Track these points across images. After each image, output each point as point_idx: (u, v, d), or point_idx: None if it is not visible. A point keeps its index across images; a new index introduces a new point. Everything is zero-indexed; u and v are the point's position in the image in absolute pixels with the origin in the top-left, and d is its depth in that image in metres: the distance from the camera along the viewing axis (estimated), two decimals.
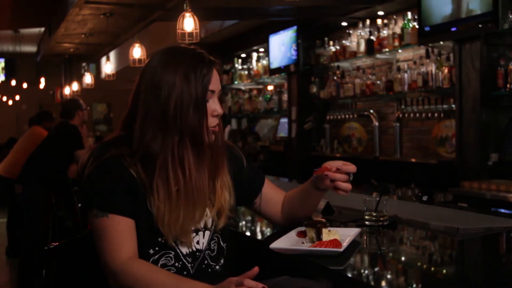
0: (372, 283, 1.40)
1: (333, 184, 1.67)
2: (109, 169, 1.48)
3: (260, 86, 7.52)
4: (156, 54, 1.57)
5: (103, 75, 9.51)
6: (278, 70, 6.40)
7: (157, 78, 1.50)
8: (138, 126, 1.51)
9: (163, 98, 1.48)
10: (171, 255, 1.52)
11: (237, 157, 1.75)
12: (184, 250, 1.54)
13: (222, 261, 1.62)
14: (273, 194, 1.82)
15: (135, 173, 1.49)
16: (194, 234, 1.56)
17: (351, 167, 1.66)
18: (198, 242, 1.56)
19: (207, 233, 1.58)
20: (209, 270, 1.58)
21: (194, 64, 1.52)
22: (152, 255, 1.51)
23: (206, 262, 1.57)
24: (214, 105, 1.55)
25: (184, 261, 1.53)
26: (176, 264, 1.52)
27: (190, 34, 4.00)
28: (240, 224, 2.20)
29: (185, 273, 1.53)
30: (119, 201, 1.47)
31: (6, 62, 14.28)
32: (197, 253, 1.56)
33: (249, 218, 2.32)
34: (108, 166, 1.49)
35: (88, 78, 8.68)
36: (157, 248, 1.51)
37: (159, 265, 1.51)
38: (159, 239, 1.50)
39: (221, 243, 1.62)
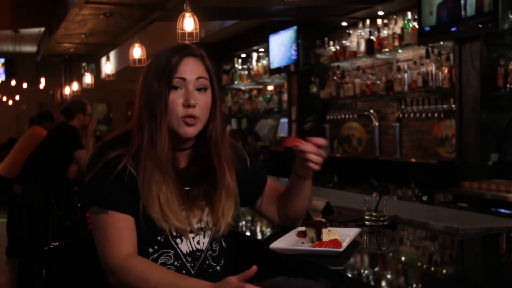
0: (372, 283, 1.40)
1: (303, 157, 1.63)
2: (110, 167, 1.49)
3: (260, 86, 7.52)
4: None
5: (103, 75, 9.51)
6: (278, 70, 6.40)
7: (142, 77, 1.56)
8: (133, 124, 1.55)
9: (144, 95, 1.52)
10: (170, 254, 1.52)
11: (241, 158, 1.72)
12: (184, 249, 1.53)
13: (223, 261, 1.62)
14: (273, 194, 1.81)
15: (135, 171, 1.50)
16: (194, 234, 1.55)
17: (320, 140, 1.63)
18: (198, 242, 1.56)
19: (208, 233, 1.58)
20: (210, 270, 1.57)
21: (167, 55, 1.53)
22: (151, 253, 1.51)
23: (207, 262, 1.57)
24: (186, 94, 1.51)
25: (184, 260, 1.53)
26: (175, 263, 1.52)
27: (190, 34, 4.01)
28: (240, 224, 2.20)
29: (184, 272, 1.53)
30: (119, 199, 1.48)
31: (6, 62, 14.29)
32: (198, 253, 1.55)
33: (249, 218, 2.32)
34: (109, 164, 1.49)
35: (88, 78, 8.68)
36: (156, 247, 1.51)
37: (158, 263, 1.51)
38: (159, 238, 1.51)
39: (223, 243, 1.62)
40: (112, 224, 1.47)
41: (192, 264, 1.54)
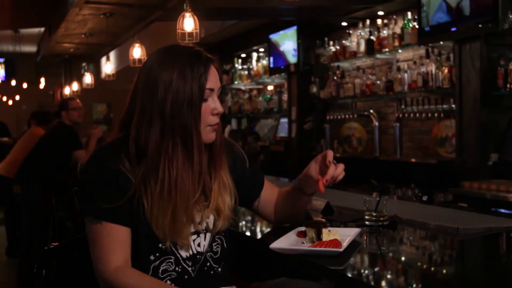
0: (372, 283, 1.40)
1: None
2: (107, 175, 1.45)
3: (260, 86, 7.52)
4: (153, 53, 1.54)
5: (103, 75, 9.51)
6: (278, 70, 6.40)
7: (154, 76, 1.47)
8: (134, 127, 1.47)
9: (160, 97, 1.45)
10: (171, 260, 1.50)
11: (238, 157, 1.71)
12: (184, 254, 1.51)
13: (224, 262, 1.61)
14: (270, 194, 1.81)
15: (134, 179, 1.46)
16: (196, 236, 1.53)
17: (339, 171, 1.66)
18: (199, 245, 1.54)
19: (208, 235, 1.56)
20: (211, 272, 1.56)
21: (191, 61, 1.48)
22: (153, 261, 1.49)
23: (208, 264, 1.55)
24: (213, 104, 1.51)
25: (184, 265, 1.51)
26: (177, 268, 1.50)
27: (190, 34, 4.01)
28: (240, 224, 2.20)
29: (186, 277, 1.51)
30: (114, 209, 1.44)
31: (6, 62, 14.29)
32: (198, 256, 1.54)
33: (249, 218, 2.32)
34: (105, 172, 1.45)
35: (88, 78, 8.68)
36: (157, 254, 1.49)
37: (160, 270, 1.49)
38: (160, 245, 1.48)
39: (225, 245, 1.60)
40: (104, 235, 1.45)
41: (192, 268, 1.53)
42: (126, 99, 1.54)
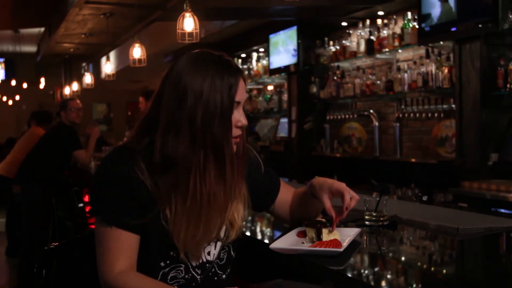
0: (372, 283, 1.40)
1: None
2: (122, 180, 1.42)
3: (260, 86, 7.52)
4: (182, 58, 1.47)
5: (103, 75, 9.51)
6: (278, 70, 6.40)
7: (182, 85, 1.42)
8: (160, 135, 1.42)
9: (189, 107, 1.40)
10: (181, 268, 1.49)
11: (254, 162, 1.69)
12: (194, 262, 1.50)
13: (229, 270, 1.60)
14: (285, 196, 1.80)
15: (150, 186, 1.43)
16: (206, 244, 1.51)
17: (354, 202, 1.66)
18: (209, 253, 1.53)
19: (219, 244, 1.55)
20: (215, 278, 1.55)
21: (221, 72, 1.43)
22: (163, 267, 1.48)
23: (213, 270, 1.54)
24: (238, 116, 1.47)
25: (193, 273, 1.51)
26: (186, 276, 1.50)
27: (190, 34, 4.01)
28: None
29: (193, 284, 1.51)
30: (126, 216, 1.42)
31: (6, 62, 14.29)
32: (207, 264, 1.53)
33: (249, 218, 2.31)
34: (122, 177, 1.42)
35: (88, 78, 8.69)
36: (168, 262, 1.48)
37: (169, 277, 1.48)
38: (171, 253, 1.47)
39: (232, 252, 1.59)
40: (113, 239, 1.43)
41: (201, 276, 1.52)
42: (149, 103, 1.50)
